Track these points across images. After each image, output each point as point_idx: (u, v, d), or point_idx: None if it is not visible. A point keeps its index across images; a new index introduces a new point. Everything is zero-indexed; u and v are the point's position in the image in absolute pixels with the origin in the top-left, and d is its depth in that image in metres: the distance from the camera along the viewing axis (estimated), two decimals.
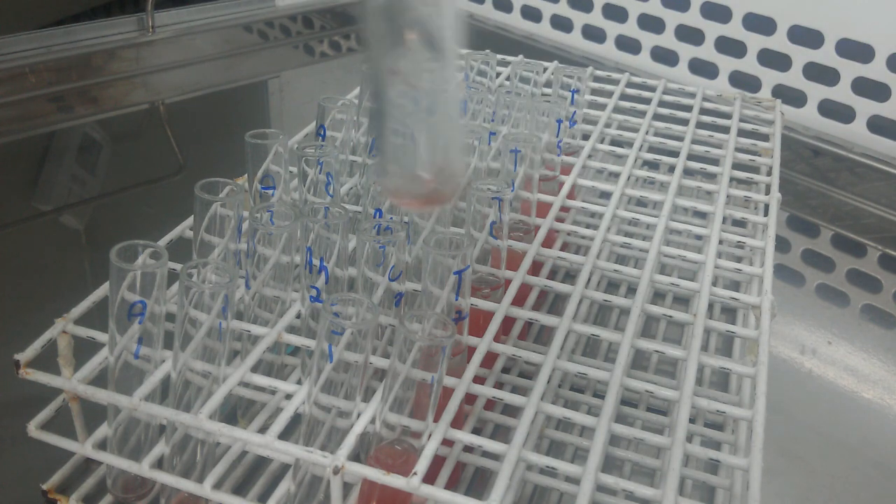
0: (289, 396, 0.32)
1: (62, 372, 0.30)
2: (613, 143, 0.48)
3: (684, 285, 0.36)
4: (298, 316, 0.33)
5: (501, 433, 0.37)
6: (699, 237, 0.51)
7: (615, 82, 0.54)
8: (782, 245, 0.56)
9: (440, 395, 0.28)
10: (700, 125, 0.50)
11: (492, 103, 0.44)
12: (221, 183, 0.34)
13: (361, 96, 0.45)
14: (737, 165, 0.46)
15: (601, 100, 0.52)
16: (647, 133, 0.49)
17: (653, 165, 0.53)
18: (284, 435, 0.28)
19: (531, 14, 0.78)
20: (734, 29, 0.65)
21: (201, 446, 0.30)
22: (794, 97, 0.63)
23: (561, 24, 0.76)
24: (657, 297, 0.48)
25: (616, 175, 0.44)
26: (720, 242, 0.39)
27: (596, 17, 0.73)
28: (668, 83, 0.54)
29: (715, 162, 0.46)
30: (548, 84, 0.51)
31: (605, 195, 0.52)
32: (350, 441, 0.27)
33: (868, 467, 0.39)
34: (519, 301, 0.35)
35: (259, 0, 0.82)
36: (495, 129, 0.43)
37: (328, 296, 0.32)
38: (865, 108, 0.60)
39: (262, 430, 0.28)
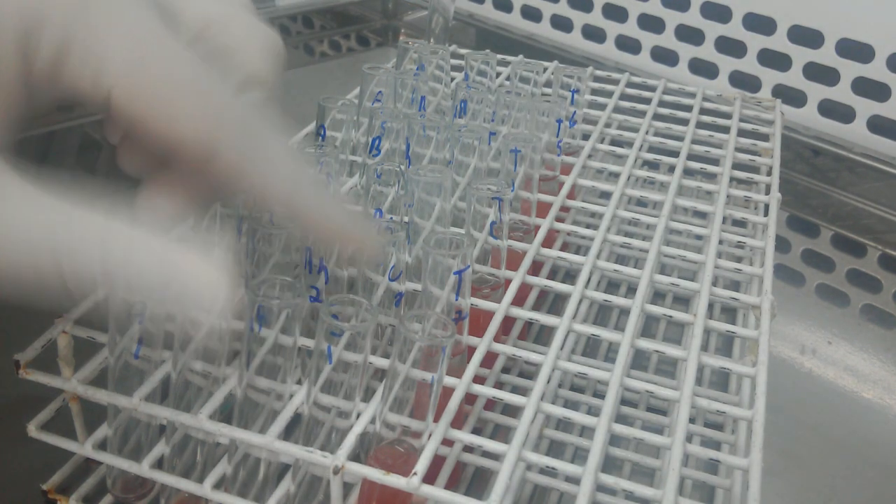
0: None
1: (62, 372, 0.30)
2: (613, 143, 0.48)
3: (684, 285, 0.36)
4: None
5: (501, 433, 0.37)
6: (699, 237, 0.51)
7: (615, 82, 0.54)
8: (782, 245, 0.56)
9: (440, 395, 0.28)
10: (700, 125, 0.50)
11: (492, 103, 0.44)
12: None
13: (361, 96, 0.45)
14: (737, 165, 0.46)
15: (601, 100, 0.52)
16: (647, 133, 0.48)
17: (653, 165, 0.53)
18: (284, 435, 0.28)
19: (531, 14, 0.78)
20: (734, 29, 0.64)
21: (201, 446, 0.30)
22: (794, 97, 0.63)
23: (561, 24, 0.76)
24: (657, 297, 0.48)
25: (616, 175, 0.44)
26: (720, 242, 0.39)
27: (596, 17, 0.73)
28: (668, 83, 0.54)
29: (715, 162, 0.46)
30: (548, 84, 0.50)
31: (605, 195, 0.52)
32: (350, 441, 0.27)
33: (868, 467, 0.39)
34: (519, 301, 0.35)
35: (259, 0, 0.82)
36: (495, 129, 0.43)
37: (327, 296, 0.32)
38: (865, 108, 0.60)
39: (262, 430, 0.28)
